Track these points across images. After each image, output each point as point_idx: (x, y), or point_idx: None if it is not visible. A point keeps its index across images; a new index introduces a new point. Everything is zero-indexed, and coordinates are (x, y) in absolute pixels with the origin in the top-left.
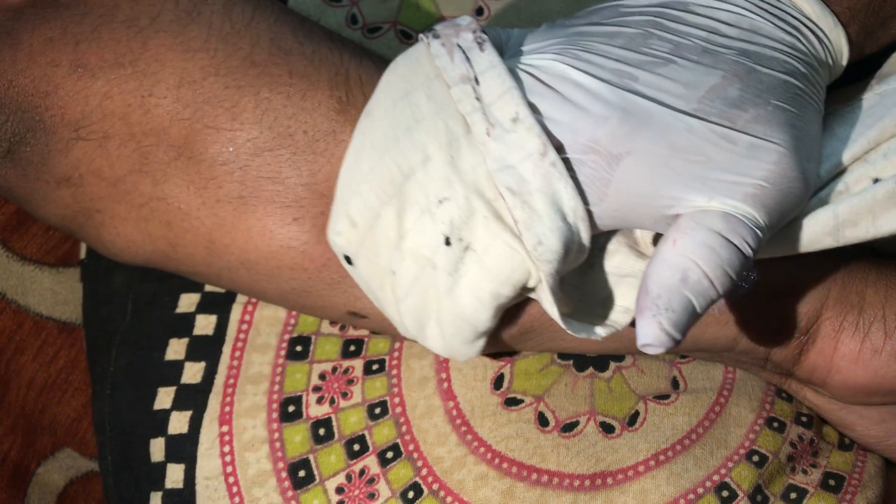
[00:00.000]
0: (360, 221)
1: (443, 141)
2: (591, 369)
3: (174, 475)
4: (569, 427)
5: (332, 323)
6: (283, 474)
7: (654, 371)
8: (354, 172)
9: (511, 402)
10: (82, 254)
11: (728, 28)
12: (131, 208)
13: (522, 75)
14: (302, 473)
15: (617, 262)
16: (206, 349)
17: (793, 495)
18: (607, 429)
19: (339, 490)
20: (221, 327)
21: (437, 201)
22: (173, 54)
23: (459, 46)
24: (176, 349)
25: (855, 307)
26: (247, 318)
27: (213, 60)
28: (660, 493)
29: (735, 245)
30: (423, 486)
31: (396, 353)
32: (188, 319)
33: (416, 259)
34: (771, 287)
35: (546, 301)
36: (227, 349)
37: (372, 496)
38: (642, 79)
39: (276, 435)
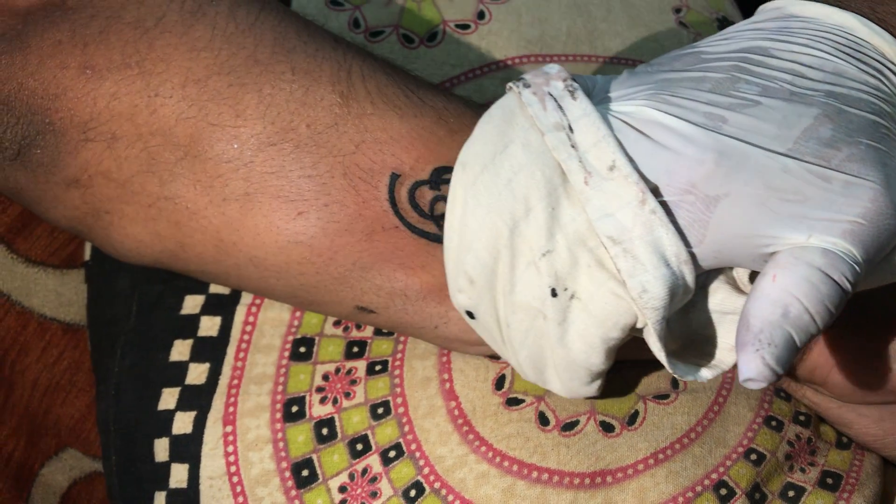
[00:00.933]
0: (477, 278)
1: (542, 191)
2: None
3: (178, 475)
4: (569, 426)
5: (336, 324)
6: (287, 474)
7: (653, 370)
8: (464, 230)
9: (512, 402)
10: (87, 255)
11: (812, 71)
12: (140, 209)
13: (614, 121)
14: (305, 473)
15: (719, 298)
16: (211, 350)
17: (791, 493)
18: (607, 428)
19: (342, 489)
20: (226, 329)
21: (541, 254)
22: (178, 54)
23: (551, 95)
24: (180, 350)
25: (857, 307)
26: (251, 319)
27: (216, 59)
28: (658, 491)
29: (835, 280)
30: (425, 485)
31: (399, 354)
32: (193, 321)
33: (527, 311)
34: None
35: (653, 344)
36: (231, 350)
37: (374, 495)
38: (733, 121)
39: (280, 435)
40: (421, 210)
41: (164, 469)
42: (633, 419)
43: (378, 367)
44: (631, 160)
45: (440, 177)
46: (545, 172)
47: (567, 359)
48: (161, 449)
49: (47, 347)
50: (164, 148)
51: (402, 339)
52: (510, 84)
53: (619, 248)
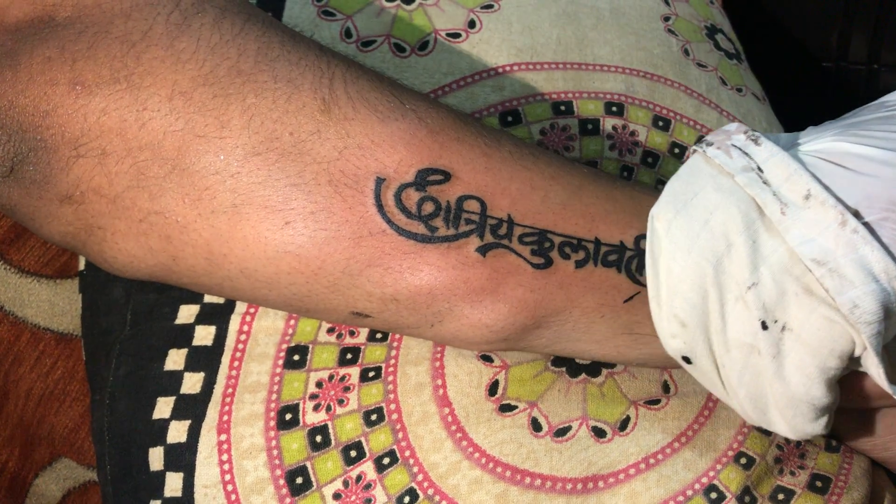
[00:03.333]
0: (689, 320)
1: (741, 226)
2: (583, 375)
3: (173, 484)
4: (561, 432)
5: (329, 331)
6: (281, 482)
7: (645, 376)
8: (668, 275)
9: (505, 409)
10: (81, 265)
11: None
12: (131, 223)
13: (804, 157)
14: (299, 480)
15: None
16: (206, 359)
17: (780, 496)
18: (599, 433)
19: (336, 496)
20: (220, 338)
21: (747, 287)
22: (164, 67)
23: (734, 146)
24: (175, 359)
25: None
26: (245, 328)
27: (201, 71)
28: (650, 496)
29: None
30: (419, 491)
31: (393, 361)
32: (187, 330)
33: (740, 347)
34: None
35: (872, 366)
36: (225, 359)
37: (369, 502)
38: None
39: (274, 443)
40: (408, 211)
41: (159, 478)
42: (624, 424)
43: (371, 374)
44: (826, 188)
45: (425, 178)
46: (741, 208)
47: (787, 394)
48: (156, 458)
49: (41, 357)
50: (153, 162)
51: (395, 344)
52: (692, 147)
53: (825, 269)
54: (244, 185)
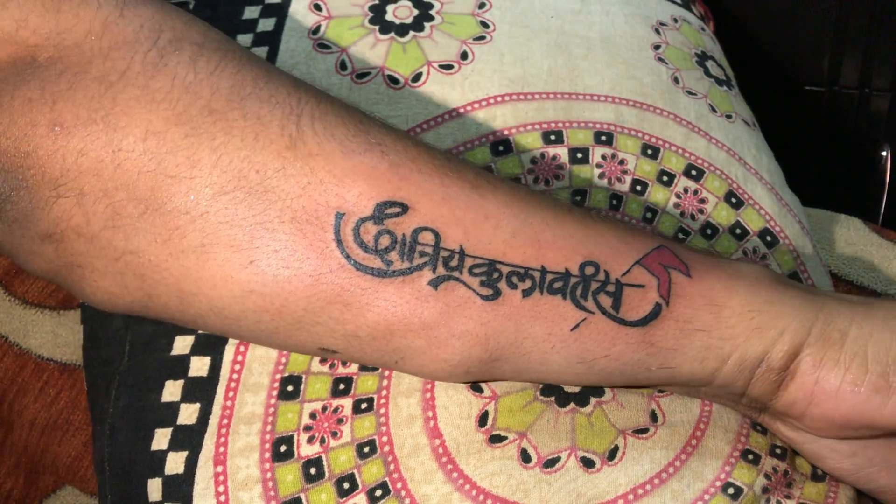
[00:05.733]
0: None
1: None
2: (572, 405)
3: None
4: (550, 463)
5: (322, 361)
6: None
7: (633, 405)
8: None
9: (495, 439)
10: None
11: None
12: (108, 262)
13: None
14: None
15: None
16: (201, 390)
17: None
18: (588, 464)
19: None
20: (215, 368)
21: None
22: (140, 107)
23: None
24: (172, 391)
25: (836, 343)
26: (239, 358)
27: (174, 111)
28: None
29: None
30: None
31: (385, 391)
32: (183, 361)
33: None
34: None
35: None
36: (220, 390)
37: None
38: None
39: (269, 474)
40: (366, 246)
41: None
42: (613, 454)
43: (364, 406)
44: None
45: (383, 211)
46: None
47: None
48: (154, 489)
49: (45, 387)
50: (128, 202)
51: (386, 374)
52: None
53: None
54: (212, 225)
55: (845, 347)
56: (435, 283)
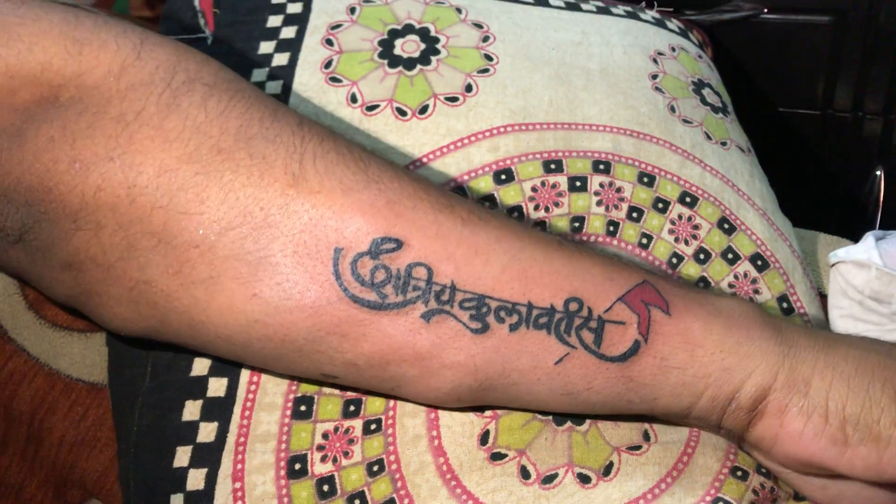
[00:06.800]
0: None
1: None
2: (568, 423)
3: None
4: (548, 479)
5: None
6: None
7: (627, 423)
8: None
9: (496, 457)
10: None
11: None
12: (123, 291)
13: None
14: None
15: None
16: (219, 410)
17: None
18: (584, 479)
19: None
20: (232, 388)
21: None
22: (154, 146)
23: None
24: (191, 410)
25: (800, 391)
26: (255, 378)
27: (186, 149)
28: None
29: None
30: None
31: (391, 412)
32: (202, 382)
33: None
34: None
35: None
36: (237, 409)
37: None
38: None
39: (284, 491)
40: (362, 279)
41: None
42: (608, 470)
43: (373, 427)
44: None
45: (379, 246)
46: None
47: None
48: None
49: (73, 406)
50: (142, 236)
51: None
52: None
53: None
54: (219, 259)
55: (809, 396)
56: (427, 317)
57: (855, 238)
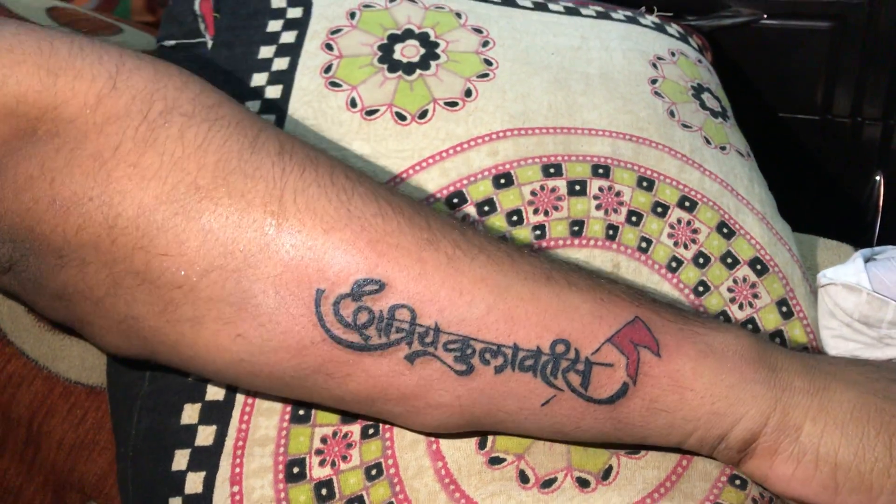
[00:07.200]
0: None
1: None
2: None
3: None
4: (548, 483)
5: None
6: None
7: None
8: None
9: (495, 461)
10: None
11: None
12: (112, 323)
13: None
14: None
15: None
16: (217, 413)
17: None
18: (583, 484)
19: None
20: (231, 393)
21: None
22: (132, 184)
23: None
24: (190, 414)
25: (791, 436)
26: None
27: (163, 188)
28: None
29: None
30: None
31: None
32: (200, 386)
33: None
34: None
35: None
36: (236, 413)
37: None
38: None
39: (283, 494)
40: (345, 321)
41: None
42: (607, 474)
43: (371, 431)
44: None
45: (361, 288)
46: None
47: None
48: None
49: (72, 409)
50: (126, 274)
51: None
52: None
53: None
54: (202, 300)
55: (799, 441)
56: (411, 358)
57: (854, 244)
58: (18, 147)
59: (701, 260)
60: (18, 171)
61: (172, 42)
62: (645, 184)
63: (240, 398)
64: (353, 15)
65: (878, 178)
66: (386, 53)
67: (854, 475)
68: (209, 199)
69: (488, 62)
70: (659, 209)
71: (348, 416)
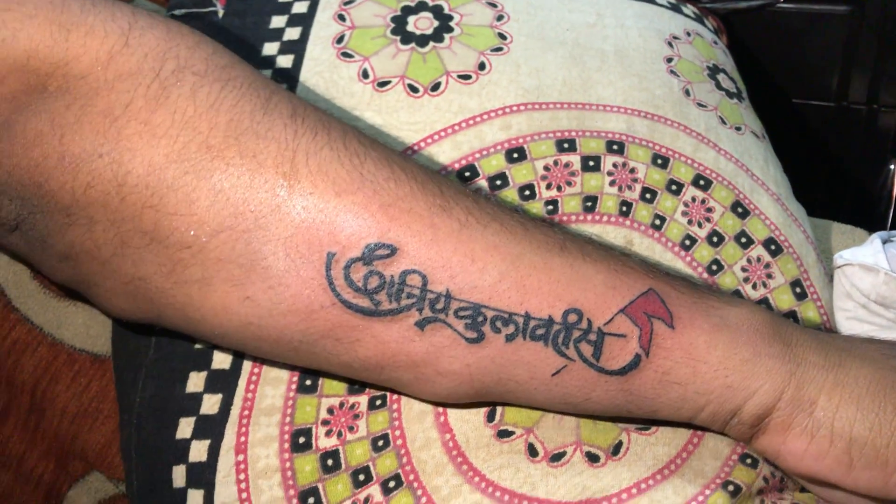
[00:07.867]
0: None
1: None
2: None
3: (194, 500)
4: (557, 457)
5: None
6: (294, 501)
7: None
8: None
9: (503, 434)
10: None
11: None
12: (119, 285)
13: None
14: (311, 501)
15: None
16: (223, 382)
17: None
18: (593, 458)
19: None
20: (237, 362)
21: None
22: (143, 142)
23: None
24: (195, 382)
25: (805, 410)
26: None
27: (174, 147)
28: None
29: None
30: None
31: None
32: (206, 354)
33: None
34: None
35: None
36: (242, 382)
37: None
38: None
39: (288, 464)
40: (356, 286)
41: (182, 495)
42: (617, 449)
43: (378, 402)
44: None
45: (372, 252)
46: None
47: None
48: (179, 475)
49: (76, 377)
50: (134, 234)
51: None
52: None
53: None
54: (211, 261)
55: (814, 416)
56: (421, 325)
57: (869, 229)
58: (28, 103)
59: (715, 238)
60: (28, 127)
61: (182, 11)
62: (660, 161)
63: (246, 367)
64: None
65: (892, 166)
66: (399, 25)
67: (869, 450)
68: (220, 158)
69: (502, 36)
70: (673, 187)
71: (355, 387)
